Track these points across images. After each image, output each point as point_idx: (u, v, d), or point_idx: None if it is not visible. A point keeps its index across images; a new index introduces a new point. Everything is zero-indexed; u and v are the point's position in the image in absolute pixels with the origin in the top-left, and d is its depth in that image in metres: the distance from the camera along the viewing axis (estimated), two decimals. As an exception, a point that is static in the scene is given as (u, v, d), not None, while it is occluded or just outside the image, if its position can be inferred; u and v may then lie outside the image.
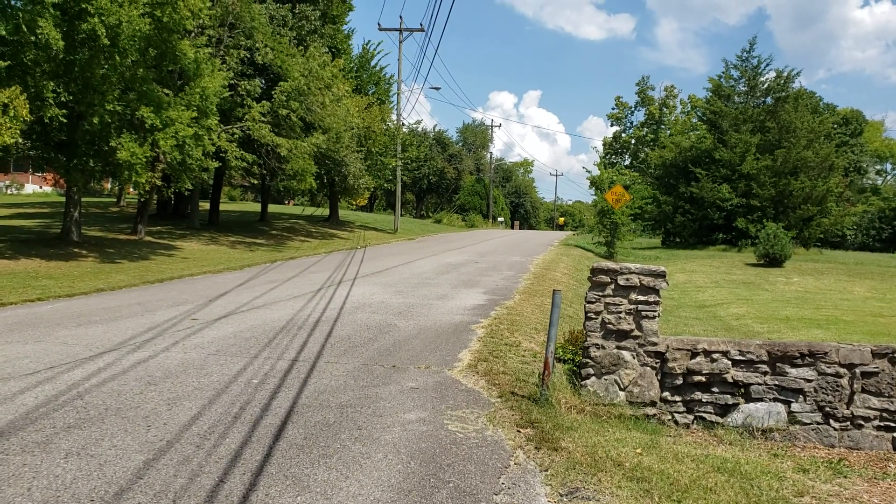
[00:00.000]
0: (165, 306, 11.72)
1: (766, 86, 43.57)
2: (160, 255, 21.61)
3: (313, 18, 32.52)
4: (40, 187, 57.49)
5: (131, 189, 26.03)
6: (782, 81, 42.73)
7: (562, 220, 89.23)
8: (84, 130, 19.11)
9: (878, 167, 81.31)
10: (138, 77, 19.48)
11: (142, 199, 25.80)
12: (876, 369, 6.97)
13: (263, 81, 30.46)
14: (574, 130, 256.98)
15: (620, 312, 7.20)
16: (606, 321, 7.24)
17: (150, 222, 28.04)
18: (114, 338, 8.89)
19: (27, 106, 16.52)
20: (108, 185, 55.79)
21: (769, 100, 43.18)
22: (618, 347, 7.23)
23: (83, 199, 24.57)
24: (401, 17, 44.64)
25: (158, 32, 19.42)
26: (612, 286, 7.23)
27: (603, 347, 7.25)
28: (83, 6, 16.82)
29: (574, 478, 4.94)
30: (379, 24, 46.34)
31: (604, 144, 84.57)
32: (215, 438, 5.29)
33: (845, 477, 6.01)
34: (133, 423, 5.60)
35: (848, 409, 6.99)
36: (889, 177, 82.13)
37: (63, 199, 27.95)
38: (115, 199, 46.80)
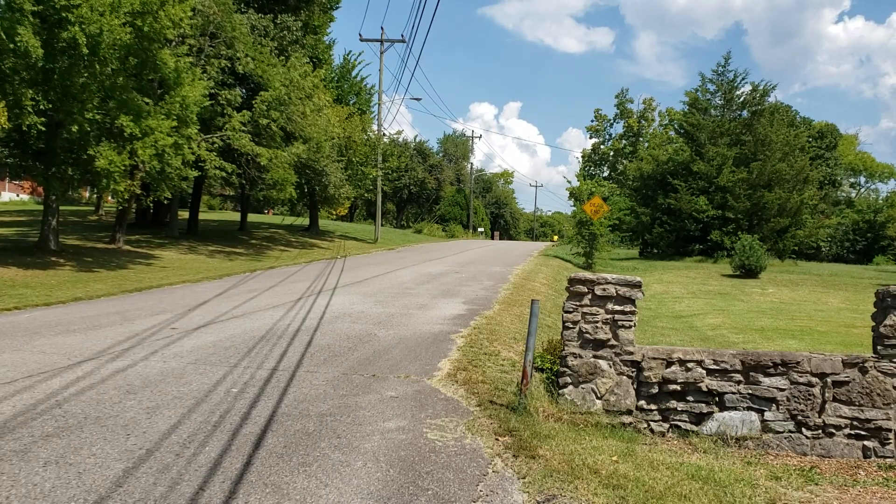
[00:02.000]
0: (144, 315, 11.68)
1: (741, 99, 44.10)
2: (139, 264, 21.50)
3: (295, 29, 32.55)
4: (17, 195, 56.92)
5: (110, 198, 25.89)
6: (758, 95, 43.27)
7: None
8: (63, 138, 19.01)
9: (851, 180, 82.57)
10: (118, 86, 19.42)
11: (120, 208, 25.64)
12: (847, 378, 7.11)
13: (244, 91, 30.43)
14: (554, 142, 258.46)
15: (597, 322, 7.30)
16: (584, 331, 7.33)
17: (128, 231, 27.85)
18: (92, 347, 8.86)
19: (5, 113, 16.44)
20: (87, 194, 55.33)
21: (745, 113, 43.70)
22: (595, 356, 7.32)
23: (61, 208, 24.39)
24: (382, 29, 44.91)
25: (139, 41, 19.37)
26: (590, 296, 7.32)
27: (580, 356, 7.34)
28: (63, 14, 16.78)
29: (551, 485, 5.01)
30: (360, 35, 46.56)
31: (583, 156, 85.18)
32: (195, 447, 5.31)
33: (816, 484, 6.12)
34: (112, 431, 5.61)
35: (820, 417, 7.12)
36: (863, 190, 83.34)
37: (41, 207, 27.72)
38: (93, 208, 46.44)
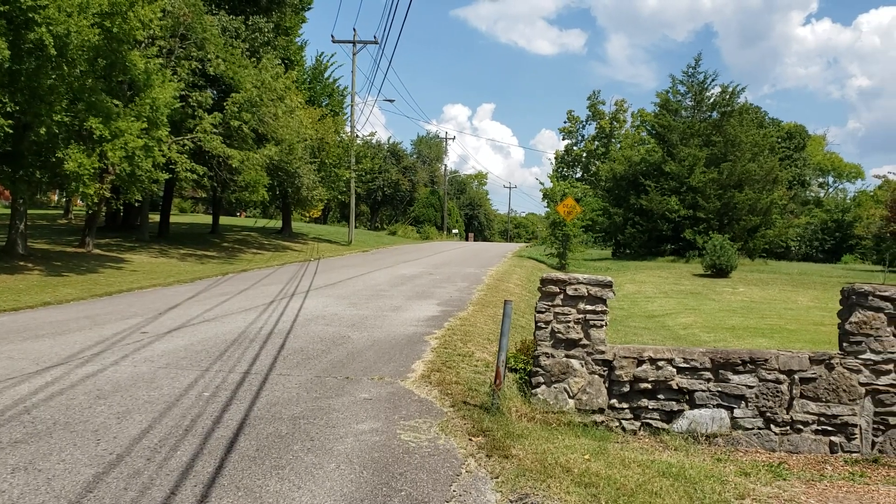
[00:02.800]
0: (114, 320, 11.57)
1: (711, 101, 44.52)
2: (109, 268, 21.25)
3: (266, 30, 32.37)
4: (-17, 199, 55.98)
5: (79, 201, 25.59)
6: (727, 96, 43.73)
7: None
8: (30, 141, 18.73)
9: (820, 180, 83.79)
10: (87, 87, 19.19)
11: (90, 211, 25.34)
12: (814, 375, 7.24)
13: (215, 92, 30.20)
14: (527, 143, 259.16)
15: (569, 322, 7.35)
16: (556, 330, 7.38)
17: (98, 234, 27.52)
18: (61, 352, 8.76)
19: (-30, 116, 16.16)
20: (56, 197, 54.63)
21: (715, 114, 44.14)
22: (567, 356, 7.38)
23: (29, 212, 24.04)
24: (354, 30, 44.77)
25: (108, 43, 19.16)
26: (562, 296, 7.38)
27: (552, 356, 7.39)
28: (30, 15, 16.53)
29: (524, 484, 5.05)
30: (332, 37, 46.37)
31: (556, 157, 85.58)
32: (166, 451, 5.28)
33: (784, 479, 6.23)
34: (82, 437, 5.56)
35: (788, 414, 7.23)
36: (831, 189, 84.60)
37: (8, 211, 27.32)
38: (62, 212, 45.82)
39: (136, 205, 28.24)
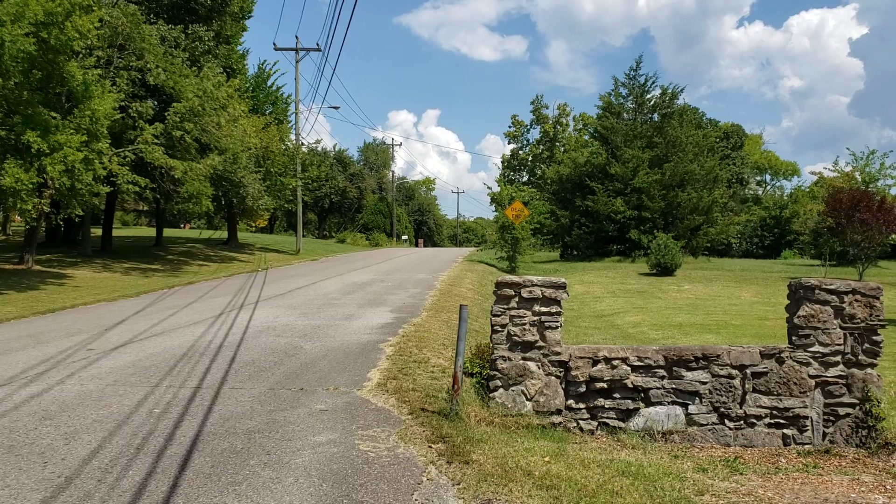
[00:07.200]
0: (58, 337, 11.22)
1: (652, 103, 45.33)
2: (50, 285, 20.65)
3: (207, 39, 31.86)
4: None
5: (17, 217, 24.80)
6: (667, 98, 44.58)
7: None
8: (-37, 156, 18.12)
9: (758, 178, 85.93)
10: (23, 100, 18.62)
11: (29, 227, 24.59)
12: (765, 369, 7.38)
13: (156, 103, 29.59)
14: (473, 148, 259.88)
15: (525, 324, 7.37)
16: (512, 333, 7.39)
17: (38, 250, 26.72)
18: (3, 372, 8.45)
19: None
20: (-9, 214, 52.90)
21: (656, 116, 44.95)
22: (523, 358, 7.39)
23: (-37, 229, 23.25)
24: (297, 37, 44.47)
25: (44, 53, 18.63)
26: (517, 299, 7.39)
27: (509, 359, 7.40)
28: (-41, 26, 16.03)
29: (486, 489, 5.02)
30: (275, 44, 45.84)
31: (502, 162, 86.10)
32: (118, 471, 5.12)
33: (741, 474, 6.32)
34: (28, 460, 5.36)
35: (741, 408, 7.36)
36: (769, 187, 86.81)
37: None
38: (-1, 228, 44.53)
39: (77, 219, 27.47)
